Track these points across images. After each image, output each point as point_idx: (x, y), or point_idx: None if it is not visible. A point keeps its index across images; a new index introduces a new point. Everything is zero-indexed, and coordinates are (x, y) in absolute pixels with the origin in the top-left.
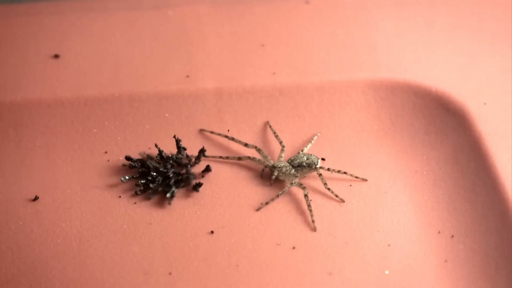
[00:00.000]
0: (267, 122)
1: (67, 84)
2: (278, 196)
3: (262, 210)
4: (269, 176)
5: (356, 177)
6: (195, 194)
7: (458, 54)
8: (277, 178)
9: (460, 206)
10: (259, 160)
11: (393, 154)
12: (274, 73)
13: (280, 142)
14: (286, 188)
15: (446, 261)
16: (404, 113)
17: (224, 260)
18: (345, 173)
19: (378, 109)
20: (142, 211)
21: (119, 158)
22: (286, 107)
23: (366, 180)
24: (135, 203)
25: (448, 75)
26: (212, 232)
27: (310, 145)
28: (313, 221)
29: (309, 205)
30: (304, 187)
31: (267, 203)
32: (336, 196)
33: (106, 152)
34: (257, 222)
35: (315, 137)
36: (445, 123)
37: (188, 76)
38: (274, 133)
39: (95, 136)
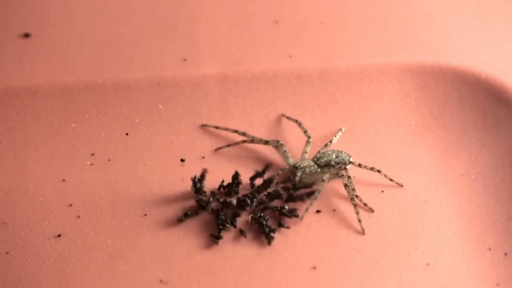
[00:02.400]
0: (282, 115)
1: (39, 69)
2: (315, 198)
3: None
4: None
5: (391, 179)
6: None
7: None
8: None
9: None
10: (284, 151)
11: (435, 155)
12: (290, 56)
13: (305, 132)
14: (321, 186)
15: (498, 284)
16: (448, 104)
17: (221, 285)
18: (378, 171)
19: (417, 99)
20: (130, 223)
21: (104, 159)
22: (305, 97)
23: (402, 186)
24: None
25: (502, 59)
26: (215, 244)
27: (335, 141)
28: (359, 221)
29: (352, 198)
30: (342, 175)
31: (306, 210)
32: (365, 204)
33: (93, 154)
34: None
35: (339, 133)
36: (498, 116)
37: (185, 60)
38: (296, 121)
39: (73, 132)
